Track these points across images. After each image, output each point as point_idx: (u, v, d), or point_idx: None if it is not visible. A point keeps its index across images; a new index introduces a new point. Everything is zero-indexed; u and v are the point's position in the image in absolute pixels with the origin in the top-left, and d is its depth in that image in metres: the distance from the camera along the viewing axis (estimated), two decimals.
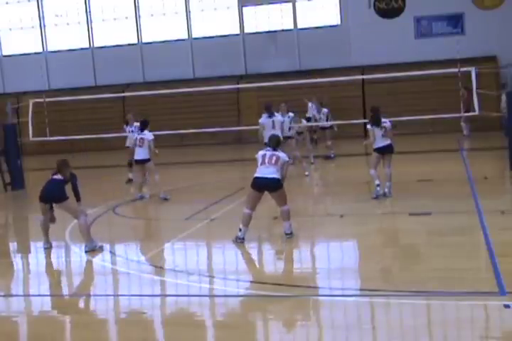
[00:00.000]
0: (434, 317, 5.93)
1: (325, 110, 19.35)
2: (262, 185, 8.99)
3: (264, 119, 14.85)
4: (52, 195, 9.32)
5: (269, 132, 14.21)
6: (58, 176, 9.38)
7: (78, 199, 9.49)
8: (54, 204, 9.46)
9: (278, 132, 14.25)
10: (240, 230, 9.07)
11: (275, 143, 9.30)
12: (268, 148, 9.26)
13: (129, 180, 16.00)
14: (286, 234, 9.16)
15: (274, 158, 9.06)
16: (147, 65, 29.61)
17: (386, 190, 12.00)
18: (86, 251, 9.13)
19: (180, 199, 13.97)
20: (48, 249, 9.55)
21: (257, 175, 9.04)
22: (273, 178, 8.98)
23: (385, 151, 11.99)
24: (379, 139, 11.91)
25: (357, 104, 25.83)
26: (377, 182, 11.93)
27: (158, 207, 13.36)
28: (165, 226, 11.19)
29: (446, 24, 26.64)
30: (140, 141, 13.56)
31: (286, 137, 15.74)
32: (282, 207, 9.13)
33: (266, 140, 14.25)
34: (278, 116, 14.98)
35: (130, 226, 11.83)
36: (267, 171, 8.99)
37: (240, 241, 9.06)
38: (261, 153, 9.22)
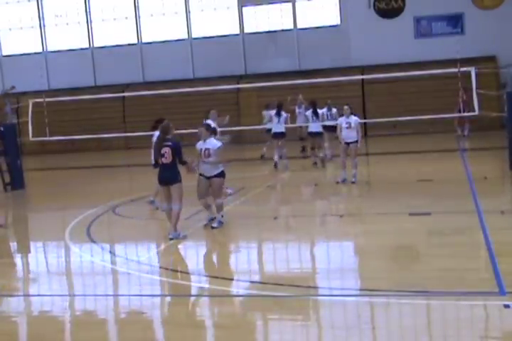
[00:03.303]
0: (434, 317, 5.94)
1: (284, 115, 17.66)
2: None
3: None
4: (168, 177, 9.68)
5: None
6: (166, 159, 9.56)
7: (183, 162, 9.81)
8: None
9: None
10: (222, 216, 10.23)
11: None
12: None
13: None
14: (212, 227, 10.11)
15: (207, 152, 10.23)
16: (147, 64, 29.62)
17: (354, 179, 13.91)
18: (170, 239, 9.53)
19: None
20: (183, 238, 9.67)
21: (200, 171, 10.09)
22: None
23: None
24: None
25: (357, 104, 25.81)
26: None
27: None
28: (165, 226, 11.17)
29: (446, 24, 26.65)
30: None
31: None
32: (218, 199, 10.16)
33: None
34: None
35: (130, 226, 11.83)
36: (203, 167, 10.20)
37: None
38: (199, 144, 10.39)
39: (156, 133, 13.31)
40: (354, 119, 13.87)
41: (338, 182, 13.95)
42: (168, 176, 9.59)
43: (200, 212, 11.68)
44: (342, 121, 13.92)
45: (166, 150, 9.53)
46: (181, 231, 9.71)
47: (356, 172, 13.89)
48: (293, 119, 18.44)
